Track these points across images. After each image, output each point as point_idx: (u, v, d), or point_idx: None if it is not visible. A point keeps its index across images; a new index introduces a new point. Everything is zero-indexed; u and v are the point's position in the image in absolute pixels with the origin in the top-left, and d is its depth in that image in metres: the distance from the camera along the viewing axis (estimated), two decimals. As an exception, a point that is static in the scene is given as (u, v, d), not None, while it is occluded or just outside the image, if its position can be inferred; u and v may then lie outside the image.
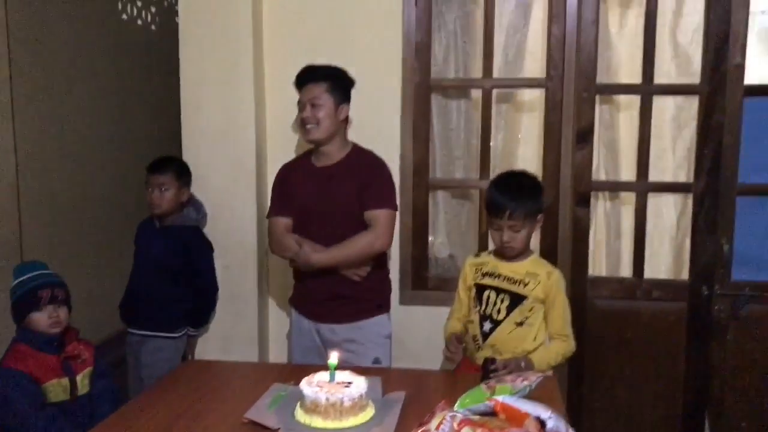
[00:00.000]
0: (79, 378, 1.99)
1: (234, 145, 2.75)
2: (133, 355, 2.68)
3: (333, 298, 2.40)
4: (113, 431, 1.61)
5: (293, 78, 2.48)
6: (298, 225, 2.47)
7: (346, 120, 2.46)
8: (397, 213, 2.46)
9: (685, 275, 2.79)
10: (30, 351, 1.95)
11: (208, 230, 2.77)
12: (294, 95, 2.48)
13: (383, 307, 2.49)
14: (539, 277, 2.05)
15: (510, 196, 2.05)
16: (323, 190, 2.41)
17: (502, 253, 2.12)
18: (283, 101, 2.77)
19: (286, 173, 2.57)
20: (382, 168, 2.46)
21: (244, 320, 2.80)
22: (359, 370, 1.78)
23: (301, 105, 2.41)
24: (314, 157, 2.49)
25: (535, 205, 2.07)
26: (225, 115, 2.74)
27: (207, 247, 2.73)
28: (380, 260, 2.49)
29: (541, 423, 1.47)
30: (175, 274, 2.65)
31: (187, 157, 2.78)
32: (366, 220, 2.38)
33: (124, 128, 3.54)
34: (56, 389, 1.93)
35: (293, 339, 2.56)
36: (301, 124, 2.41)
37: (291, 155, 2.79)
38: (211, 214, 2.79)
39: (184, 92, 2.76)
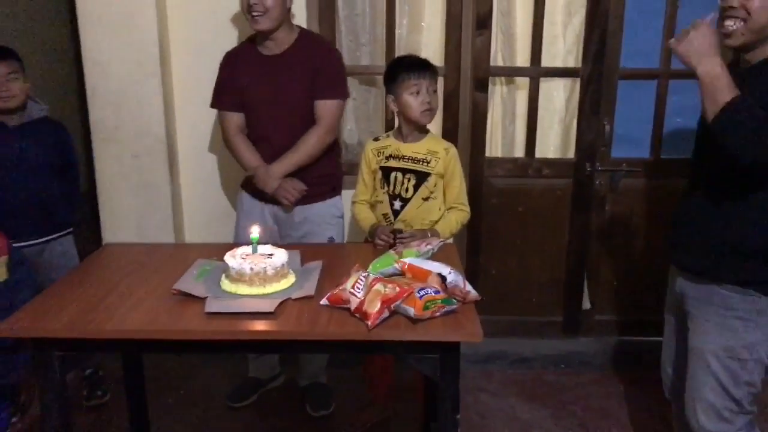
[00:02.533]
0: (-5, 266, 2.01)
1: (135, 31, 2.69)
2: (27, 270, 2.39)
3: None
4: (42, 310, 1.66)
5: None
6: (249, 118, 2.45)
7: (290, 4, 2.40)
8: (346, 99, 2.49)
9: (571, 154, 3.07)
10: None
11: (113, 119, 2.74)
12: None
13: (336, 189, 2.56)
14: (439, 154, 2.21)
15: (424, 61, 2.23)
16: (274, 80, 2.37)
17: (416, 121, 2.20)
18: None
19: (231, 61, 2.47)
20: (333, 53, 2.45)
21: (157, 208, 2.85)
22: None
23: None
24: (260, 45, 2.41)
25: None
26: (123, 1, 2.64)
27: (71, 135, 2.67)
28: (333, 147, 2.53)
29: (443, 278, 1.68)
30: (54, 170, 2.56)
31: (86, 44, 2.70)
32: (315, 110, 2.39)
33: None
34: (-26, 279, 1.95)
35: (240, 221, 2.58)
36: (247, 11, 2.29)
37: (195, 38, 2.78)
38: (114, 103, 2.76)
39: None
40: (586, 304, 3.19)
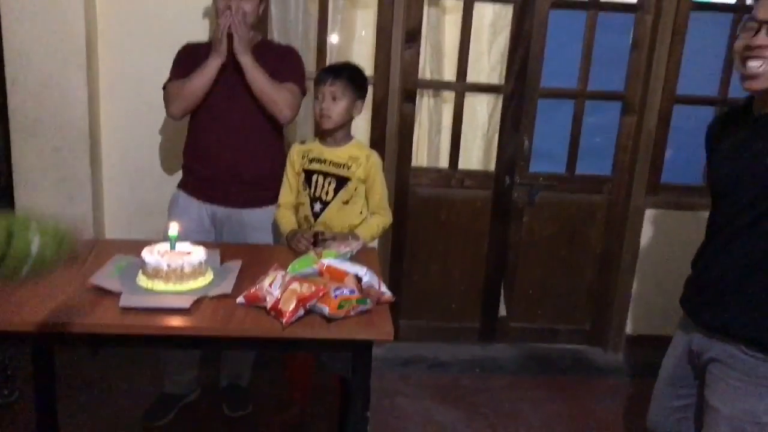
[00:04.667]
0: None
1: (61, 22, 2.64)
2: None
3: (238, 181, 2.43)
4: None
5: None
6: (202, 114, 2.40)
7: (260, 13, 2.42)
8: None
9: (492, 167, 3.19)
10: None
11: (34, 111, 2.69)
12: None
13: (278, 195, 2.44)
14: (360, 160, 2.27)
15: (335, 67, 2.30)
16: (232, 79, 2.34)
17: (320, 126, 2.26)
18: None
19: (192, 52, 2.42)
20: (292, 52, 2.49)
21: (77, 203, 2.80)
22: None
23: (224, 4, 2.28)
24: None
25: (355, 84, 2.26)
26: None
27: None
28: (281, 150, 2.51)
29: (358, 279, 1.74)
30: None
31: (8, 33, 2.63)
32: None
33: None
34: None
35: (174, 220, 2.29)
36: (223, 11, 2.27)
37: (123, 32, 2.77)
38: (36, 93, 2.70)
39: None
40: (502, 312, 3.32)
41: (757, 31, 1.49)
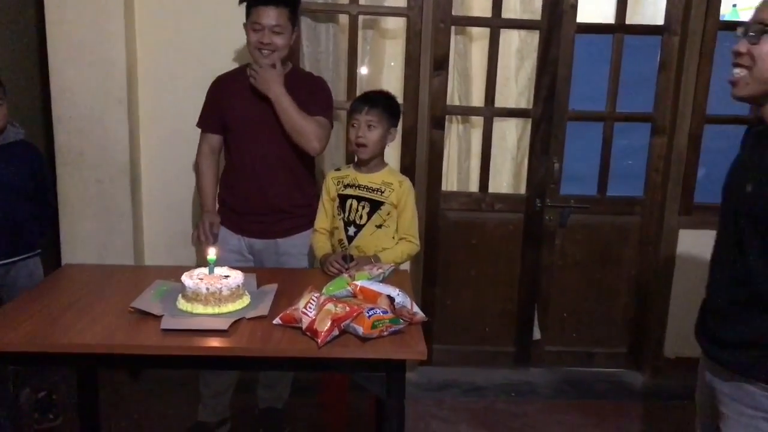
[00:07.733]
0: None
1: (103, 60, 2.77)
2: None
3: (272, 212, 2.49)
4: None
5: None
6: (233, 139, 2.48)
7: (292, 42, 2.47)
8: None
9: (522, 190, 3.21)
10: None
11: (78, 146, 2.80)
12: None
13: (312, 221, 2.52)
14: (393, 186, 2.33)
15: (370, 96, 2.34)
16: (264, 106, 2.39)
17: (355, 154, 2.33)
18: (152, 14, 2.82)
19: (222, 86, 2.52)
20: (322, 83, 2.55)
21: (119, 233, 2.90)
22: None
23: (257, 26, 2.34)
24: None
25: (390, 112, 2.32)
26: (93, 30, 2.74)
27: (45, 159, 2.73)
28: (311, 179, 2.60)
29: (391, 299, 1.77)
30: (26, 193, 2.61)
31: (54, 72, 2.77)
32: None
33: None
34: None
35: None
36: (256, 46, 2.36)
37: (162, 68, 2.86)
38: (80, 129, 2.82)
39: (49, 8, 2.71)
40: (537, 335, 3.30)
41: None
